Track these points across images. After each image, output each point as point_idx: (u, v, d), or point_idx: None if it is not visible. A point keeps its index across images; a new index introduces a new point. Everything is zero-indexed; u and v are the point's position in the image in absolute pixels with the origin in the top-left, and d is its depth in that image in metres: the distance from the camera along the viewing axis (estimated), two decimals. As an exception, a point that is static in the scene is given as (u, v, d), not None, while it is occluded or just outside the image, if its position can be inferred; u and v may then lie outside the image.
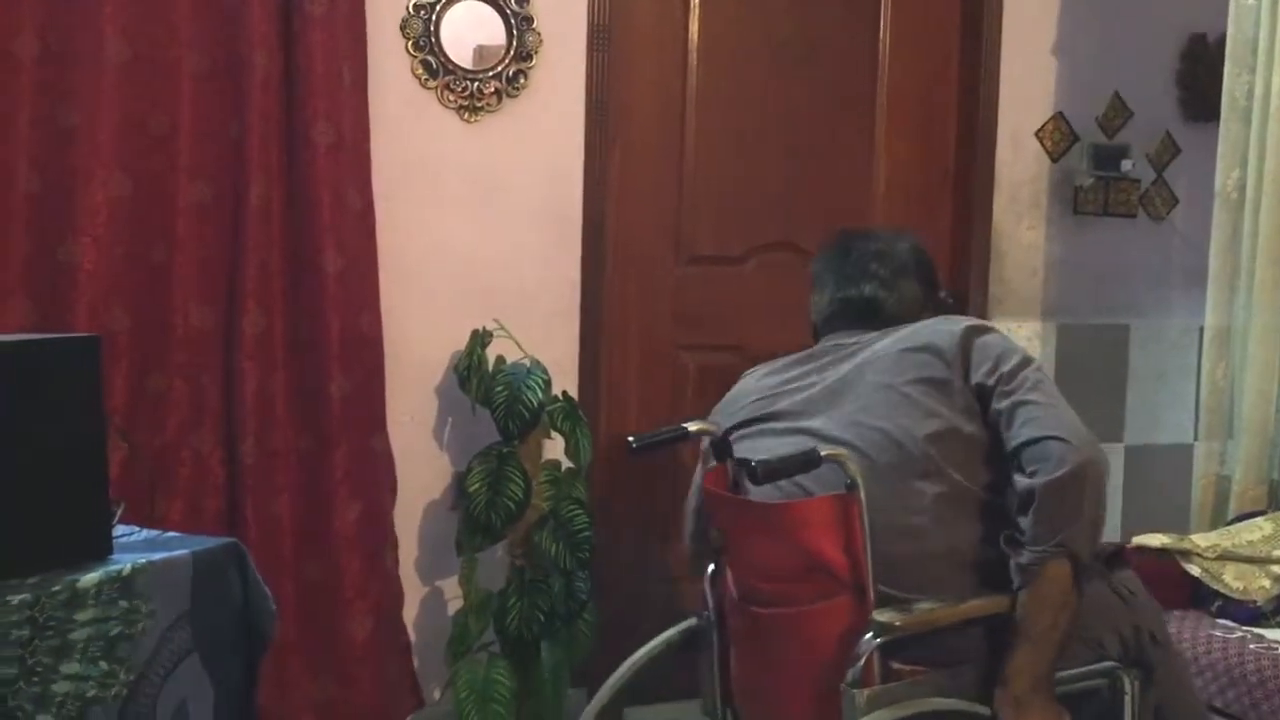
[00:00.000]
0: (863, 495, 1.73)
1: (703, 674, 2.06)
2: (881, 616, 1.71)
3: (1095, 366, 3.55)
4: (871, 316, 2.04)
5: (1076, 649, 1.80)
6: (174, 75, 2.51)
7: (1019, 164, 3.44)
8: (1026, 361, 1.84)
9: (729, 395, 2.12)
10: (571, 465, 2.80)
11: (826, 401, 1.92)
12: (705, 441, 2.06)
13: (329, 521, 2.65)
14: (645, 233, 3.15)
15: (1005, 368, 1.81)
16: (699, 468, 2.12)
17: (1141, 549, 2.61)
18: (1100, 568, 1.87)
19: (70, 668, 1.26)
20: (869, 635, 1.71)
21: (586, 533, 2.74)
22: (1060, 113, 3.47)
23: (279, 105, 2.59)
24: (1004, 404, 1.79)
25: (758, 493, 1.85)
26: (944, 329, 1.90)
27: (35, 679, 1.22)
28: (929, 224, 3.45)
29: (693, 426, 2.03)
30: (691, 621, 2.06)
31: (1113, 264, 3.56)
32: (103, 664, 1.29)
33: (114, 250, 2.48)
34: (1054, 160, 3.49)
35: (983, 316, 3.43)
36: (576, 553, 2.72)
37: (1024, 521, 1.73)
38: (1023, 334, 3.46)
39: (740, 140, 3.21)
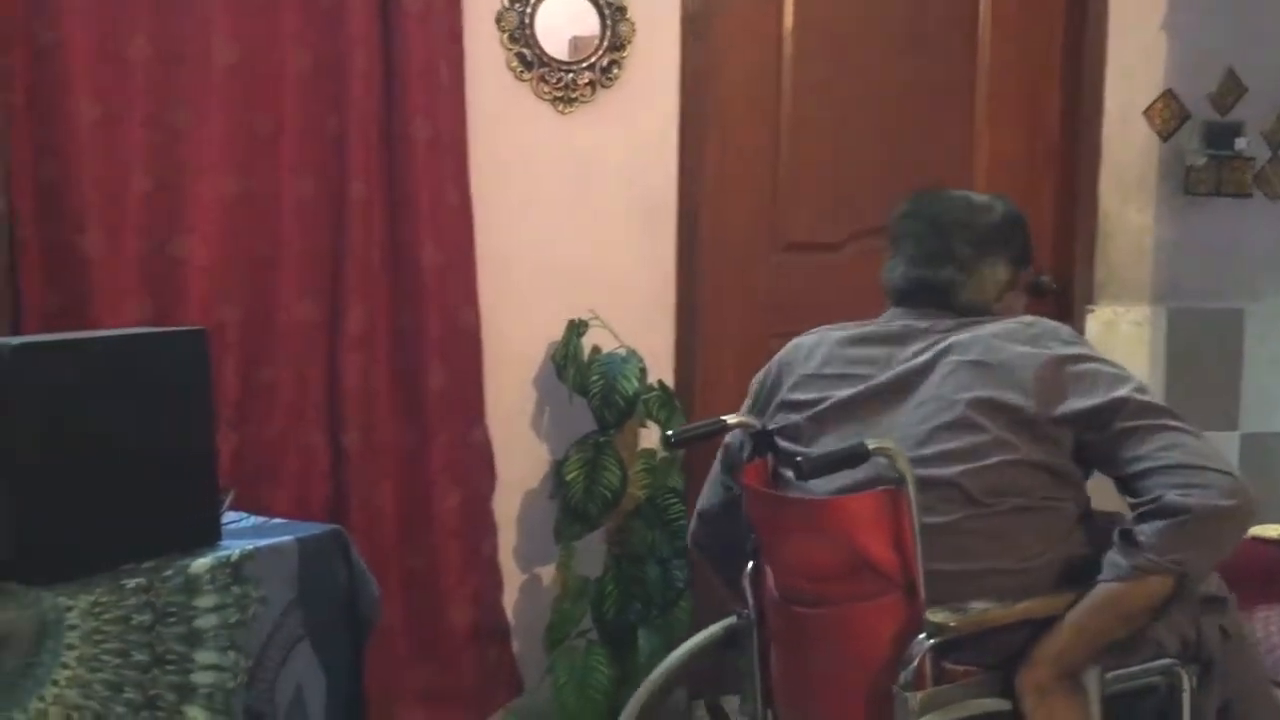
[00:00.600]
0: (911, 490, 1.65)
1: (743, 674, 1.98)
2: (936, 617, 1.63)
3: (1208, 352, 3.44)
4: (946, 302, 1.92)
5: (1136, 646, 1.74)
6: (278, 75, 2.57)
7: (1126, 143, 3.34)
8: (1144, 388, 1.74)
9: (799, 348, 1.99)
10: (667, 454, 2.80)
11: (889, 398, 1.82)
12: (734, 435, 2.00)
13: (430, 510, 2.70)
14: (740, 220, 3.13)
15: (1126, 391, 1.70)
16: (716, 464, 2.07)
17: (1258, 539, 2.53)
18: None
19: (206, 657, 1.30)
20: (922, 636, 1.64)
21: (682, 521, 2.74)
22: (1170, 90, 3.36)
23: (379, 102, 2.64)
24: (1129, 424, 1.68)
25: (803, 488, 1.78)
26: (1028, 352, 1.76)
27: (170, 666, 1.26)
28: (1031, 205, 3.34)
29: (731, 419, 1.94)
30: (731, 620, 1.99)
31: (1226, 245, 3.43)
32: (230, 654, 1.33)
33: (223, 247, 2.55)
34: (1163, 139, 3.38)
35: (1088, 301, 3.35)
36: (673, 541, 2.73)
37: (1153, 527, 1.63)
38: (1130, 319, 3.37)
39: (836, 125, 3.18)
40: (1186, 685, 1.78)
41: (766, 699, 1.95)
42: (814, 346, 1.96)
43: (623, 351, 2.74)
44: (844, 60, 3.16)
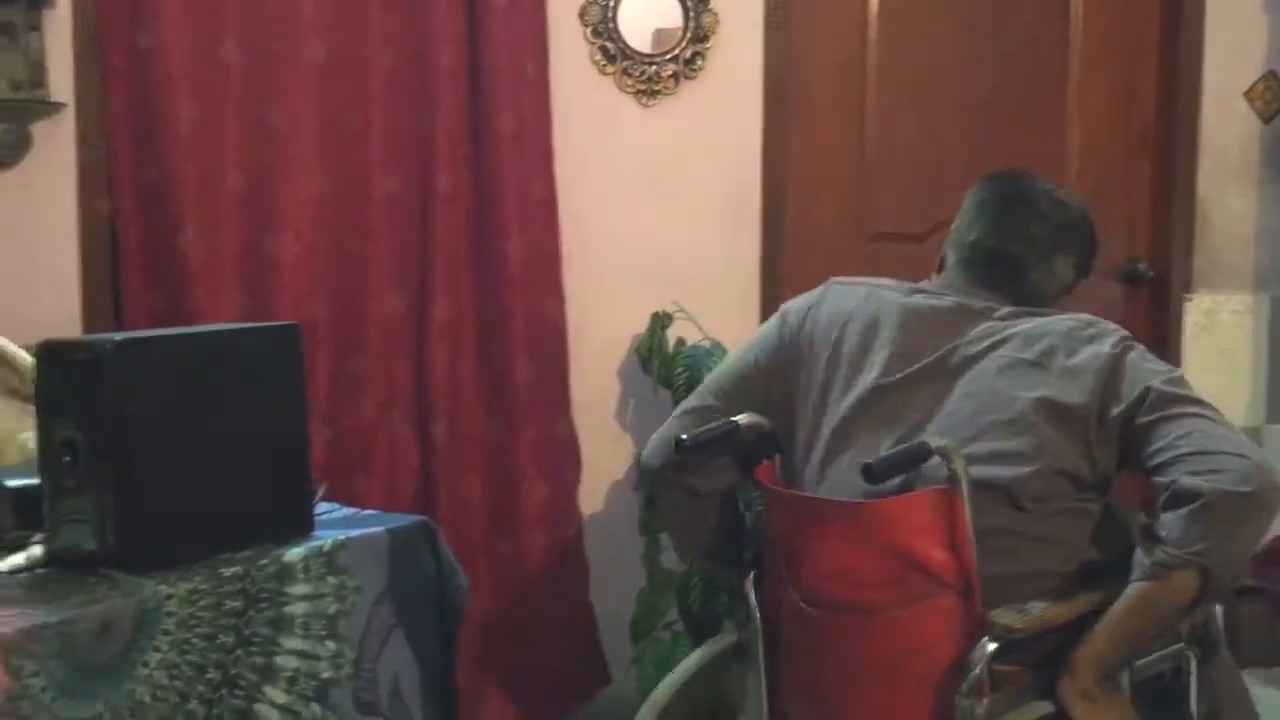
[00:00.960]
0: (965, 488, 1.58)
1: (748, 687, 1.87)
2: (1002, 619, 1.57)
3: (1313, 341, 3.33)
4: (1011, 282, 1.85)
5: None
6: (366, 73, 2.62)
7: (1226, 126, 3.25)
8: (1175, 379, 1.69)
9: (843, 303, 1.88)
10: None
11: (933, 380, 1.74)
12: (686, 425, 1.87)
13: (517, 502, 2.73)
14: (826, 211, 3.11)
15: (1156, 383, 1.66)
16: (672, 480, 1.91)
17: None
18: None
19: (292, 642, 1.33)
20: (985, 640, 1.57)
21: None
22: (1272, 71, 3.25)
23: (465, 98, 2.67)
24: (1151, 417, 1.63)
25: (838, 487, 1.71)
26: (1093, 352, 1.69)
27: (254, 648, 1.29)
28: (1126, 192, 3.29)
29: (743, 420, 1.83)
30: (732, 637, 1.91)
31: (1334, 231, 3.32)
32: (330, 643, 1.36)
33: (314, 243, 2.60)
34: (1265, 122, 3.27)
35: (1186, 290, 3.26)
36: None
37: (1170, 518, 1.57)
38: (1231, 307, 3.27)
39: (923, 113, 3.13)
40: (1193, 667, 1.75)
41: (774, 712, 1.84)
42: (862, 304, 1.86)
43: (707, 344, 2.73)
44: (930, 45, 3.12)
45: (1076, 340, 1.71)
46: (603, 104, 2.86)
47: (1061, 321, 1.76)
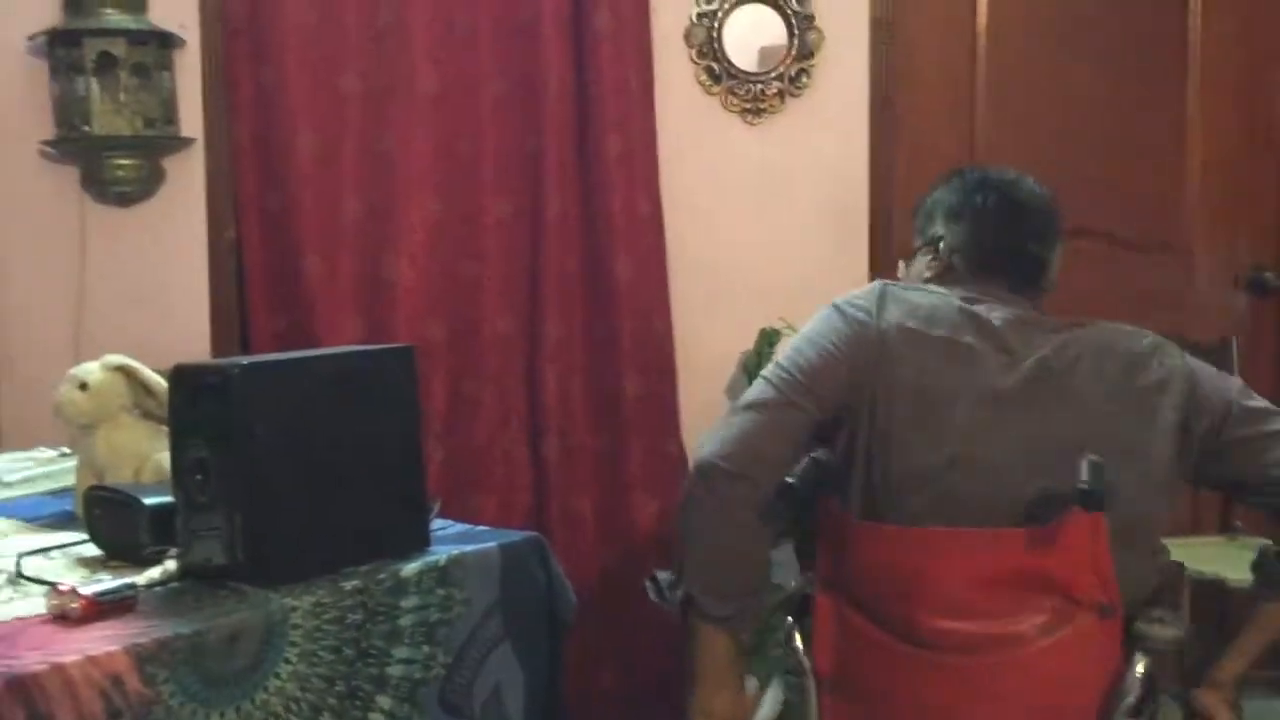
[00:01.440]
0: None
1: None
2: (1166, 633, 1.51)
3: None
4: (1033, 284, 1.69)
5: None
6: (477, 101, 2.69)
7: (1358, 128, 3.11)
8: (1248, 389, 1.63)
9: (913, 316, 1.60)
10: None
11: (1049, 399, 1.56)
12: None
13: (628, 518, 2.75)
14: (935, 225, 3.07)
15: (1236, 396, 1.60)
16: (719, 498, 1.57)
17: None
18: None
19: (401, 651, 1.37)
20: (1137, 655, 1.50)
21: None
22: (1407, 68, 3.11)
23: (572, 121, 2.72)
24: (1248, 430, 1.57)
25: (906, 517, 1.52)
26: (1171, 365, 1.58)
27: (371, 660, 1.34)
28: (1251, 196, 3.18)
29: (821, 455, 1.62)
30: (780, 697, 1.76)
31: None
32: (425, 647, 1.40)
33: (429, 267, 2.68)
34: (1401, 121, 3.13)
35: (1324, 308, 3.14)
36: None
37: None
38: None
39: (1035, 126, 3.08)
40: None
41: None
42: (932, 314, 1.61)
43: (815, 360, 2.72)
44: (1042, 57, 3.07)
45: (1157, 352, 1.60)
46: (709, 123, 2.88)
47: (1129, 331, 1.64)
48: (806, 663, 1.63)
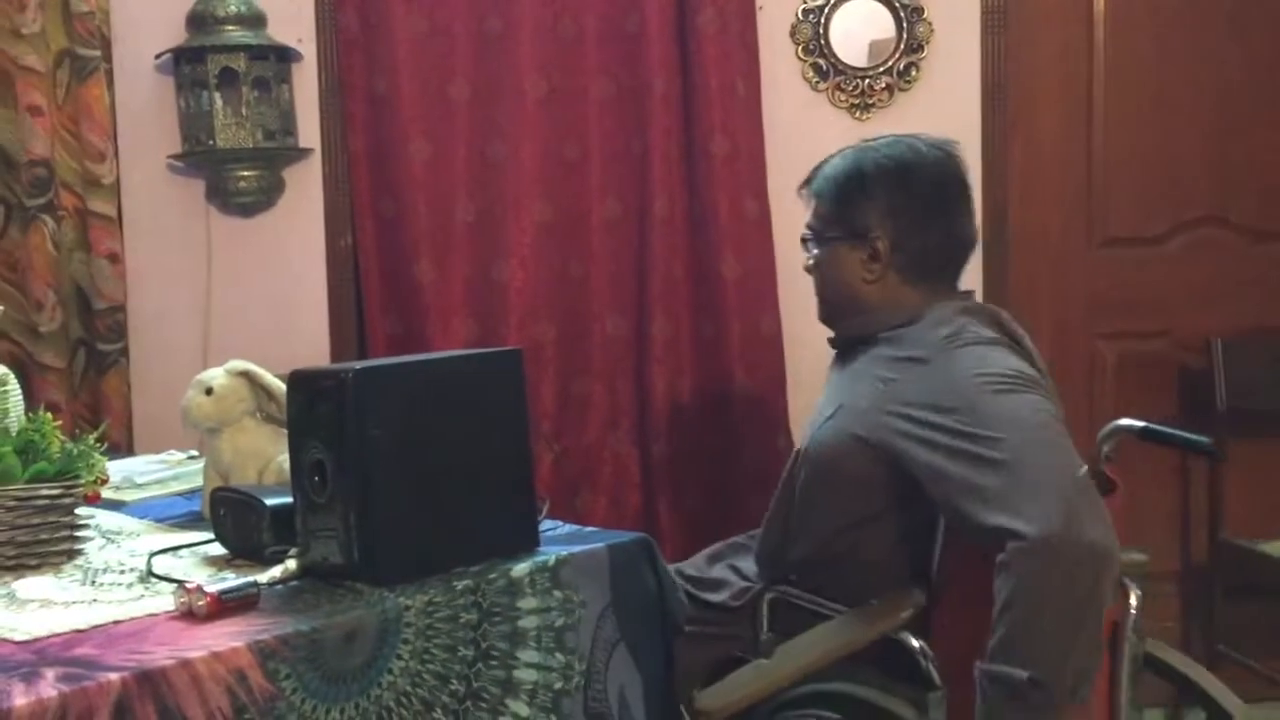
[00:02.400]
0: None
1: None
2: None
3: None
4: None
5: None
6: (583, 104, 2.71)
7: None
8: None
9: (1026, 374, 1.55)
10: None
11: None
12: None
13: (739, 518, 2.73)
14: (1053, 217, 2.99)
15: None
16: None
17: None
18: None
19: (529, 655, 1.38)
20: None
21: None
22: None
23: (679, 122, 2.72)
24: None
25: None
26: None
27: (494, 662, 1.35)
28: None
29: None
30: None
31: None
32: (559, 655, 1.40)
33: (539, 269, 2.71)
34: None
35: None
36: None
37: None
38: None
39: (1158, 109, 2.97)
40: None
41: None
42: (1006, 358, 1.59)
43: (927, 357, 2.67)
44: (1166, 39, 2.96)
45: None
46: (816, 120, 2.85)
47: None
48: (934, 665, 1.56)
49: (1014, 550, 1.38)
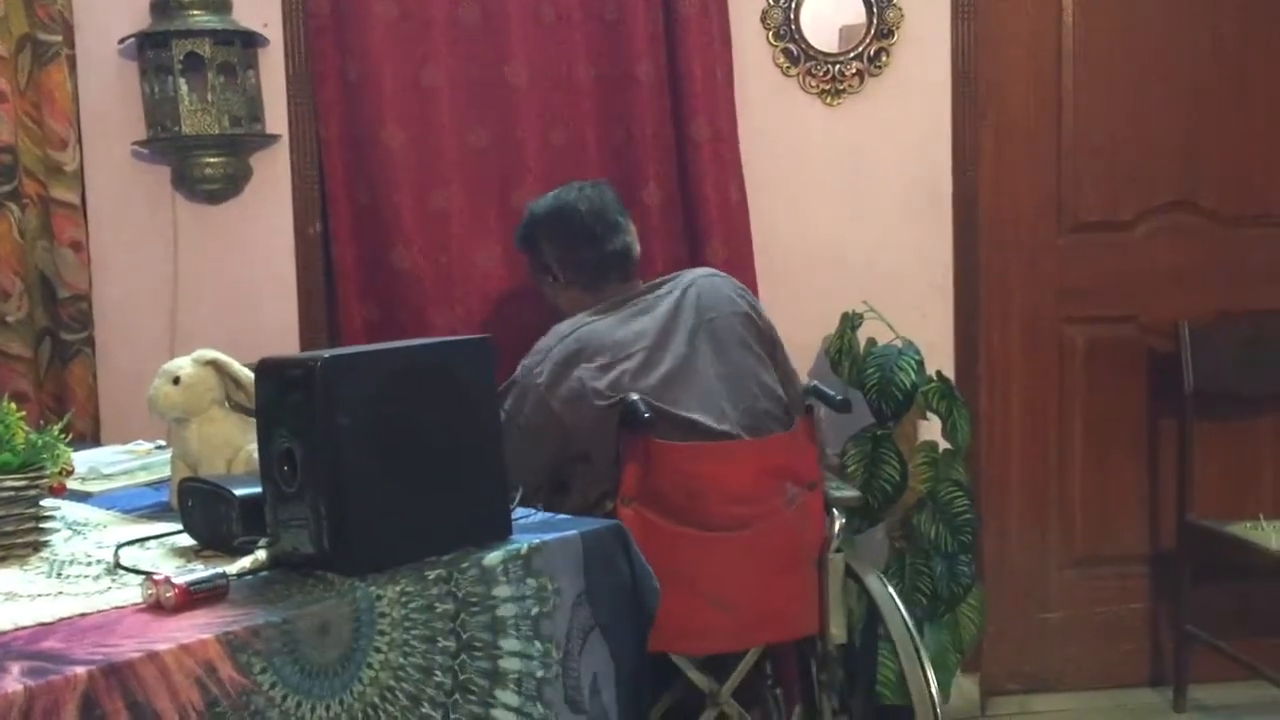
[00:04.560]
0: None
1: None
2: (847, 494, 2.34)
3: None
4: (630, 269, 2.33)
5: None
6: (567, 91, 2.68)
7: None
8: None
9: (600, 340, 2.18)
10: (949, 446, 2.73)
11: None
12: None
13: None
14: (1022, 203, 3.01)
15: None
16: None
17: None
18: None
19: (511, 644, 1.38)
20: (836, 514, 2.22)
21: (968, 515, 2.67)
22: None
23: (663, 108, 2.70)
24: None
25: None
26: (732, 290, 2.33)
27: (478, 652, 1.34)
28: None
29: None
30: None
31: None
32: (538, 644, 1.40)
33: (520, 257, 2.66)
34: None
35: None
36: (958, 535, 2.66)
37: None
38: None
39: (1127, 95, 2.99)
40: None
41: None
42: (608, 343, 2.18)
43: (899, 343, 2.69)
44: (1135, 23, 2.98)
45: (726, 287, 2.36)
46: (787, 106, 2.85)
47: (697, 276, 2.35)
48: None
49: None
